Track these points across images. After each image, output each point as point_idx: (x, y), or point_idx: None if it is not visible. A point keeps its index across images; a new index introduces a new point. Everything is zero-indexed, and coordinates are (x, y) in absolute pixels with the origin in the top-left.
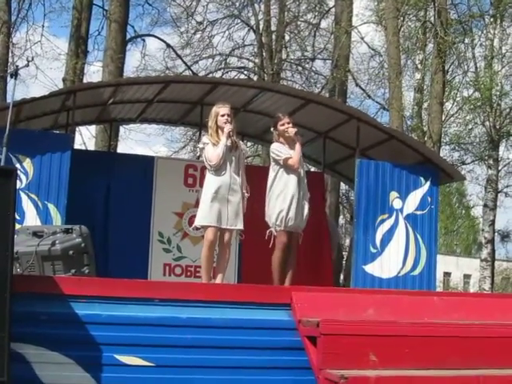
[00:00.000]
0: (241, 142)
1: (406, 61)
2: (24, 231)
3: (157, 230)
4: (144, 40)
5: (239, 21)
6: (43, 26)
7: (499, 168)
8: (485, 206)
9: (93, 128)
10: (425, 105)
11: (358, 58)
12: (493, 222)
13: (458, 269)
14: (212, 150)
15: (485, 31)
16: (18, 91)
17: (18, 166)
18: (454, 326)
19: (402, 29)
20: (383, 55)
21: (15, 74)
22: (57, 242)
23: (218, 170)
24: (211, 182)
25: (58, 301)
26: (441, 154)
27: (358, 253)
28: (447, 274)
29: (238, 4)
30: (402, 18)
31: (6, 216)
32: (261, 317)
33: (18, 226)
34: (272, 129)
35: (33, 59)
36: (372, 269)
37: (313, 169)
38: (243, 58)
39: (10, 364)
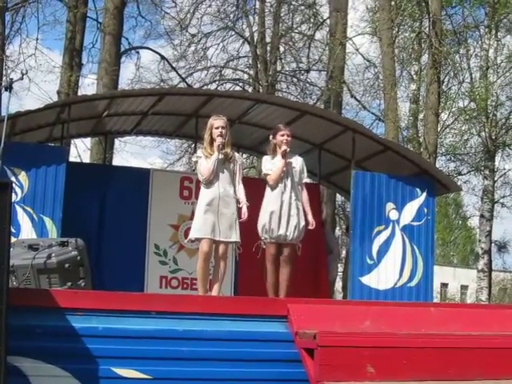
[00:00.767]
0: (236, 153)
1: (401, 72)
2: (20, 244)
3: (153, 243)
4: (138, 52)
5: (233, 33)
6: (37, 39)
7: (495, 178)
8: (481, 216)
9: (88, 140)
10: (420, 115)
11: (353, 70)
12: (489, 233)
13: (455, 280)
14: (205, 163)
15: (480, 42)
16: (12, 104)
17: (13, 178)
18: (451, 337)
19: (397, 40)
20: (378, 66)
21: (9, 87)
22: (53, 254)
23: (210, 183)
24: (204, 194)
25: (54, 314)
26: (437, 165)
27: (354, 264)
28: (444, 285)
29: (232, 16)
30: (396, 29)
31: (1, 229)
32: (257, 329)
33: (13, 239)
34: (271, 137)
35: (27, 72)
36: (369, 280)
37: (308, 180)
38: (238, 69)
39: (7, 377)
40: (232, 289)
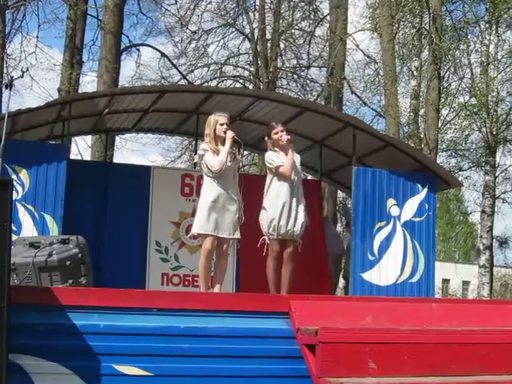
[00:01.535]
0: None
1: (401, 68)
2: (21, 242)
3: (154, 240)
4: (139, 50)
5: (234, 29)
6: (37, 37)
7: (496, 174)
8: (482, 212)
9: (88, 138)
10: (421, 111)
11: (353, 66)
12: (491, 229)
13: (456, 275)
14: (212, 156)
15: (480, 37)
16: (12, 102)
17: (14, 177)
18: (452, 332)
19: (397, 36)
20: (379, 62)
21: (10, 85)
22: (54, 252)
23: (219, 177)
24: (210, 190)
25: (55, 311)
26: (437, 161)
27: (355, 260)
28: (446, 281)
29: (232, 13)
30: (397, 25)
31: (2, 227)
32: (259, 325)
33: (14, 237)
34: (266, 138)
35: (28, 70)
36: (370, 276)
37: (310, 177)
38: (238, 66)
39: (8, 375)
40: (234, 285)
